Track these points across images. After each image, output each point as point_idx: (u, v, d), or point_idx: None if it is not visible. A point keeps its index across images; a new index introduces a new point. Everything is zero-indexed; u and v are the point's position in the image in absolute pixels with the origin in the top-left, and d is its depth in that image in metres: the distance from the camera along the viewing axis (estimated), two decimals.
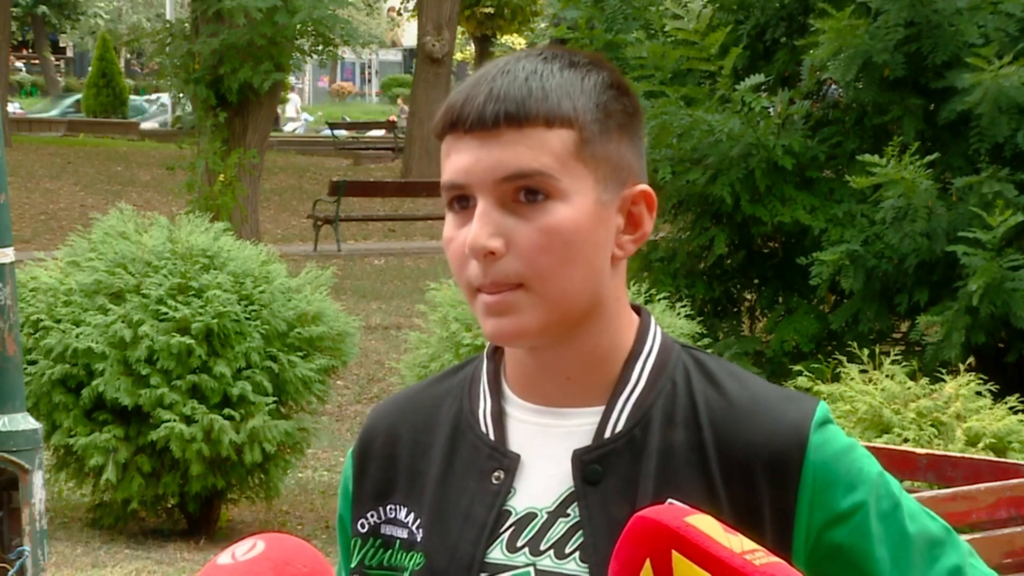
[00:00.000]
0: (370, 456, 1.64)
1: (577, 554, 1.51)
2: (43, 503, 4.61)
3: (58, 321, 7.58)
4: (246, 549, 1.50)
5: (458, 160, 1.50)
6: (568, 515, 1.52)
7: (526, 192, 1.48)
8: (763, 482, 1.51)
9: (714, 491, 1.51)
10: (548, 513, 1.53)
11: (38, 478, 4.60)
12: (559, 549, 1.52)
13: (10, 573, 4.30)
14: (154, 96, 43.75)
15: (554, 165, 1.49)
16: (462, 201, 1.50)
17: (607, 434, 1.53)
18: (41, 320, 7.56)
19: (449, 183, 1.51)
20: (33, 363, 7.42)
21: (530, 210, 1.48)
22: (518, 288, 1.48)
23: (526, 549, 1.52)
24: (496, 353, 1.62)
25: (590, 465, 1.52)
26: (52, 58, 48.22)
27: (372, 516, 1.61)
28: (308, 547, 1.53)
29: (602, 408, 1.54)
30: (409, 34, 51.99)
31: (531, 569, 1.52)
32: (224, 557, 1.49)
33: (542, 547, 1.52)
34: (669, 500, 1.50)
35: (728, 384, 1.55)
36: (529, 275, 1.48)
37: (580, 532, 1.51)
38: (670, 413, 1.54)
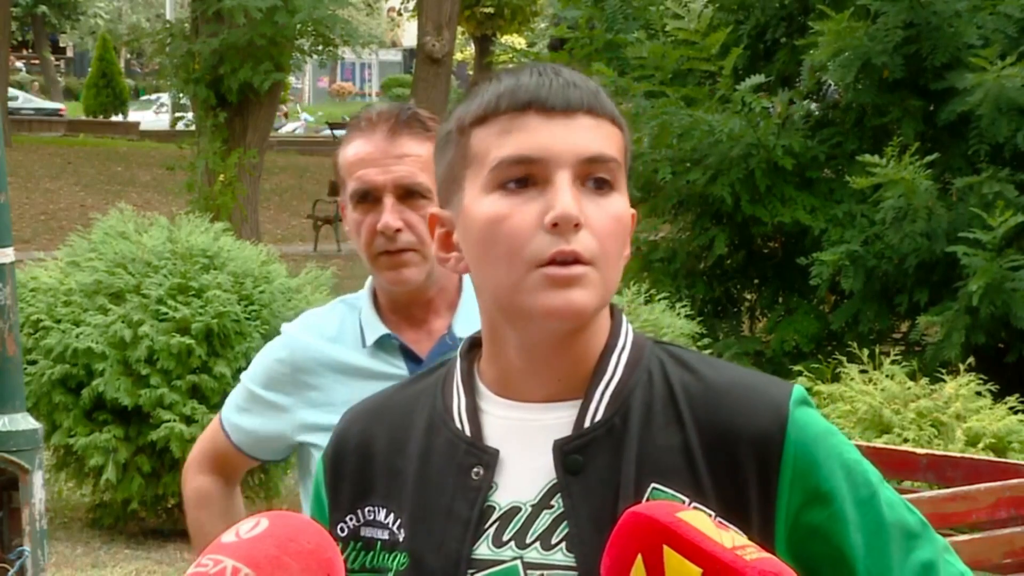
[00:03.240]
0: (344, 459, 1.64)
1: (563, 544, 1.51)
2: (43, 503, 4.61)
3: (58, 321, 7.58)
4: (250, 527, 1.50)
5: (529, 137, 1.50)
6: (552, 507, 1.53)
7: (597, 180, 1.51)
8: (747, 463, 1.52)
9: (697, 475, 1.52)
10: (532, 506, 1.53)
11: (38, 478, 4.60)
12: (545, 541, 1.52)
13: (10, 573, 4.30)
14: (154, 96, 43.80)
15: (619, 158, 1.54)
16: (521, 181, 1.50)
17: (586, 424, 1.54)
18: (41, 320, 7.56)
19: (521, 157, 1.50)
20: (33, 363, 7.42)
21: (599, 196, 1.51)
22: (590, 265, 1.49)
23: (512, 543, 1.53)
24: (471, 352, 1.63)
25: (571, 455, 1.53)
26: (52, 58, 48.24)
27: (351, 520, 1.61)
28: (313, 524, 1.53)
29: (579, 401, 1.55)
30: (409, 34, 52.00)
31: (518, 562, 1.52)
32: (228, 535, 1.50)
33: (528, 540, 1.53)
34: (652, 485, 1.51)
35: (704, 370, 1.57)
36: (599, 256, 1.50)
37: (565, 523, 1.52)
38: (648, 401, 1.55)
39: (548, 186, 1.49)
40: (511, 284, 1.50)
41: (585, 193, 1.50)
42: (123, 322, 7.48)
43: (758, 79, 8.89)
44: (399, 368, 2.58)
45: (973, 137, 8.42)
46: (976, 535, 4.29)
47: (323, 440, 2.54)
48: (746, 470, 1.51)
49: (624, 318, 1.61)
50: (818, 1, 8.80)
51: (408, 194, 2.54)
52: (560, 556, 1.51)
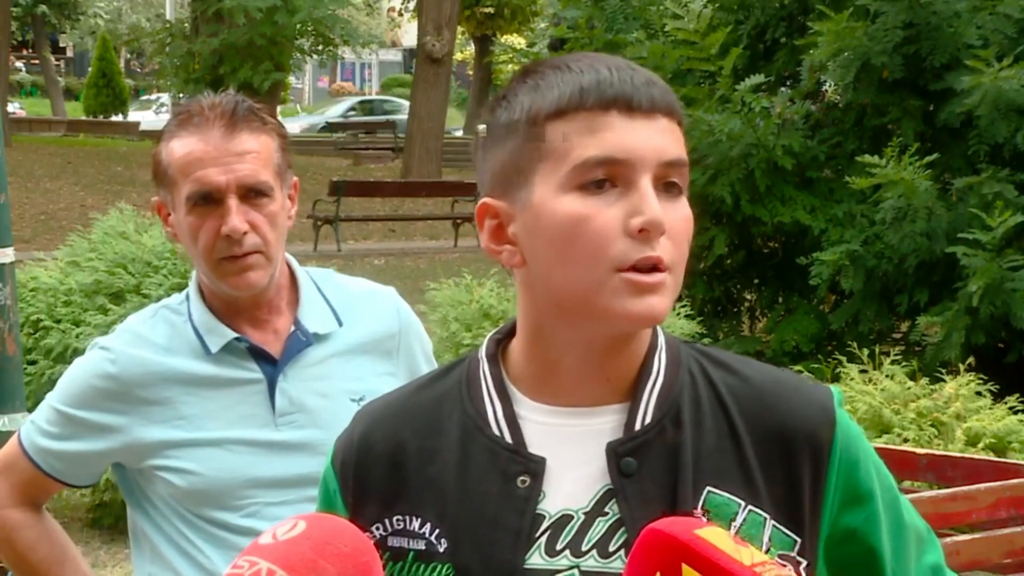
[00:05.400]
0: (370, 465, 1.58)
1: (622, 552, 1.48)
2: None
3: (58, 321, 7.58)
4: (287, 529, 1.48)
5: (615, 138, 1.46)
6: (607, 513, 1.50)
7: (667, 184, 1.48)
8: (802, 464, 1.51)
9: (751, 477, 1.50)
10: (585, 513, 1.50)
11: None
12: (602, 548, 1.49)
13: (10, 573, 4.31)
14: (154, 96, 43.81)
15: (687, 162, 1.51)
16: (599, 183, 1.46)
17: (637, 426, 1.51)
18: (41, 320, 7.56)
19: (605, 158, 1.46)
20: (33, 363, 7.42)
21: (672, 199, 1.49)
22: (667, 272, 1.47)
23: (567, 551, 1.49)
24: (498, 356, 1.58)
25: (624, 458, 1.50)
26: (52, 58, 48.21)
27: (378, 529, 1.55)
28: (350, 527, 1.51)
29: (624, 404, 1.52)
30: (409, 34, 51.99)
31: (575, 571, 1.49)
32: (265, 537, 1.48)
33: (584, 548, 1.49)
34: (708, 489, 1.49)
35: (746, 370, 1.56)
36: (676, 261, 1.48)
37: (623, 529, 1.49)
38: (696, 403, 1.53)
39: (631, 189, 1.46)
40: (590, 285, 1.46)
41: (660, 197, 1.47)
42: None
43: (758, 79, 8.89)
44: (252, 371, 2.45)
45: (973, 137, 8.42)
46: (976, 535, 4.29)
47: (179, 459, 2.42)
48: (801, 471, 1.51)
49: None
50: (818, 1, 8.80)
51: (251, 193, 2.38)
52: (619, 564, 1.48)
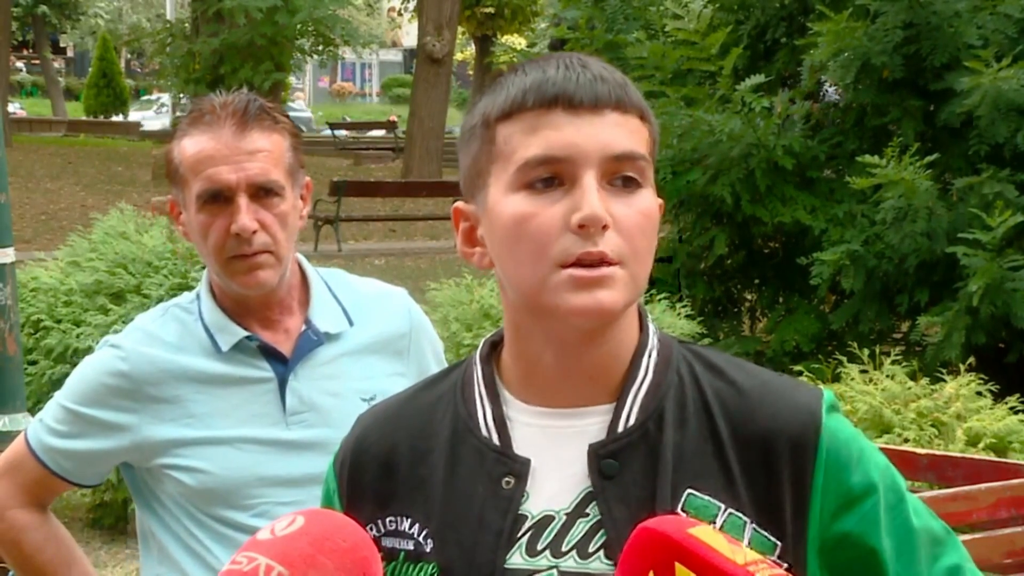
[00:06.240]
0: (363, 469, 1.61)
1: (601, 552, 1.49)
2: None
3: (58, 321, 7.58)
4: (285, 524, 1.49)
5: (555, 136, 1.48)
6: (587, 515, 1.51)
7: (624, 178, 1.49)
8: (782, 468, 1.51)
9: (732, 480, 1.51)
10: (566, 515, 1.51)
11: None
12: (582, 549, 1.50)
13: (10, 573, 4.31)
14: (155, 96, 43.83)
15: (647, 154, 1.51)
16: (547, 181, 1.48)
17: (620, 428, 1.52)
18: (41, 320, 7.56)
19: (546, 157, 1.48)
20: (33, 363, 7.42)
21: (626, 193, 1.49)
22: (617, 265, 1.47)
23: (547, 552, 1.51)
24: (491, 357, 1.60)
25: (605, 459, 1.51)
26: (52, 58, 48.21)
27: (372, 530, 1.57)
28: (349, 522, 1.52)
29: (611, 405, 1.53)
30: (409, 34, 51.99)
31: (554, 571, 1.50)
32: (264, 533, 1.49)
33: (564, 548, 1.50)
34: (688, 491, 1.49)
35: (734, 374, 1.56)
36: (629, 254, 1.48)
37: (602, 530, 1.50)
38: (682, 405, 1.54)
39: (574, 186, 1.47)
40: (537, 283, 1.48)
41: (612, 191, 1.48)
42: (124, 322, 7.48)
43: (758, 79, 8.89)
44: (263, 370, 2.46)
45: (973, 137, 8.43)
46: (976, 535, 4.28)
47: (188, 458, 2.42)
48: (781, 475, 1.51)
49: (648, 315, 1.60)
50: (818, 1, 8.80)
51: (261, 192, 2.38)
52: (598, 564, 1.49)
